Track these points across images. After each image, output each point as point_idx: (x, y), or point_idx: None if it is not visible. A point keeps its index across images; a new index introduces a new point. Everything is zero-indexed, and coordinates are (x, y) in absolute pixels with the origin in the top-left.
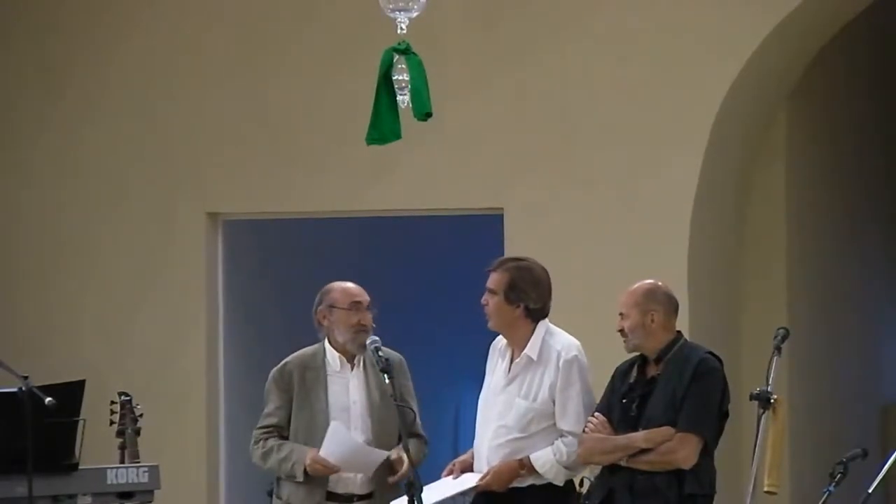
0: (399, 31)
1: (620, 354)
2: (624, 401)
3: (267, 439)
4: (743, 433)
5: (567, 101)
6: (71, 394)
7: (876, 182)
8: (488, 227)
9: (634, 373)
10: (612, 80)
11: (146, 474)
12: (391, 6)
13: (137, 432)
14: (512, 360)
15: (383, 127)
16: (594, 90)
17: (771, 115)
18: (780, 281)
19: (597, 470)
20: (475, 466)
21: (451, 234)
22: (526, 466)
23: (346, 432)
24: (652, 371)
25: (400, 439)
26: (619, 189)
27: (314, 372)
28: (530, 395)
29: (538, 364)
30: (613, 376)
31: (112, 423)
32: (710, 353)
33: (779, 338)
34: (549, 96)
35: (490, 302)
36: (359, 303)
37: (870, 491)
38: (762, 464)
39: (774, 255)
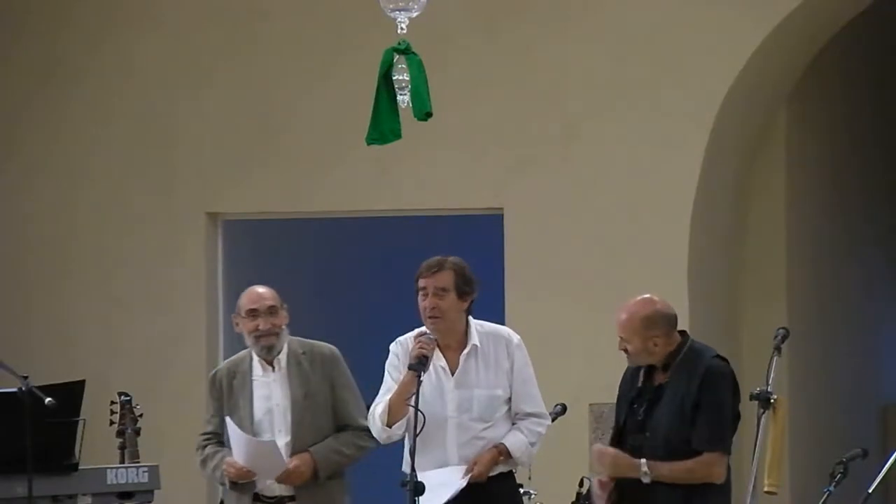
0: (399, 31)
1: (621, 354)
2: (634, 405)
3: (206, 447)
4: (743, 433)
5: (567, 101)
6: (71, 394)
7: (875, 182)
8: (488, 227)
9: (641, 377)
10: (612, 80)
11: (146, 474)
12: (391, 6)
13: (137, 432)
14: (445, 357)
15: (383, 127)
16: (594, 90)
17: (771, 115)
18: (780, 281)
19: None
20: (429, 463)
21: (451, 234)
22: (503, 453)
23: (236, 428)
24: (659, 378)
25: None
26: (619, 189)
27: (241, 377)
28: (490, 384)
29: (484, 353)
30: (623, 380)
31: (112, 423)
32: (717, 356)
33: (779, 338)
34: (549, 96)
35: (442, 303)
36: (255, 310)
37: (870, 491)
38: (762, 464)
39: (774, 255)
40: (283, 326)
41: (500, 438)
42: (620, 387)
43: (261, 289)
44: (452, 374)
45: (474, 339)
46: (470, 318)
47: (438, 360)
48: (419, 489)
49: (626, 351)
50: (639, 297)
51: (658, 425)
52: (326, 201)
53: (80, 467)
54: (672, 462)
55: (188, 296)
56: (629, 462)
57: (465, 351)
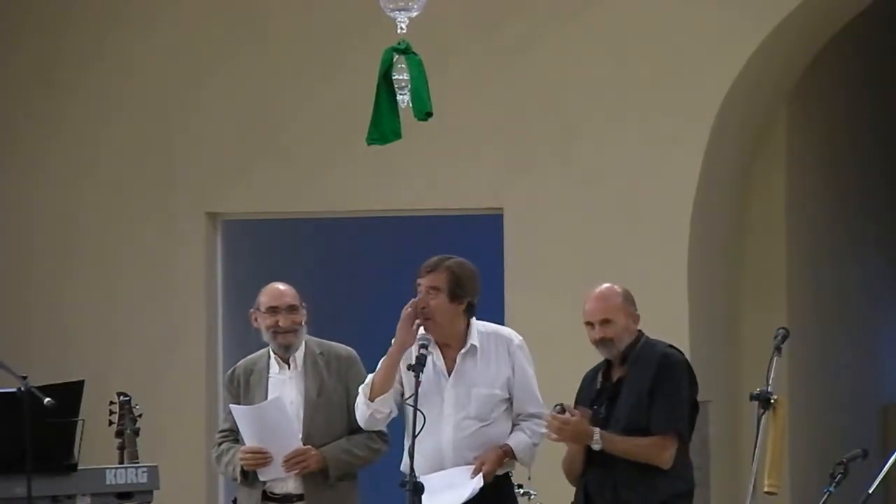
0: (399, 31)
1: None
2: (594, 407)
3: (221, 443)
4: (743, 433)
5: (567, 100)
6: (70, 394)
7: (875, 182)
8: (488, 227)
9: (600, 378)
10: (612, 80)
11: (145, 474)
12: (391, 6)
13: (136, 432)
14: (444, 356)
15: (384, 127)
16: (594, 90)
17: (771, 115)
18: (780, 281)
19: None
20: (427, 465)
21: (451, 234)
22: (508, 454)
23: (240, 407)
24: (617, 373)
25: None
26: (619, 189)
27: (257, 375)
28: (488, 383)
29: (483, 353)
30: (581, 387)
31: (111, 423)
32: (671, 346)
33: (779, 338)
34: (549, 96)
35: (433, 301)
36: (275, 307)
37: (870, 491)
38: (762, 464)
39: (774, 255)
40: (302, 324)
41: (498, 438)
42: (578, 393)
43: (281, 286)
44: (449, 374)
45: (473, 339)
46: (472, 319)
47: (436, 360)
48: (419, 489)
49: (607, 340)
50: (601, 286)
51: (619, 418)
52: (326, 201)
53: (79, 467)
54: (625, 437)
55: (188, 296)
56: (588, 430)
57: (463, 350)
